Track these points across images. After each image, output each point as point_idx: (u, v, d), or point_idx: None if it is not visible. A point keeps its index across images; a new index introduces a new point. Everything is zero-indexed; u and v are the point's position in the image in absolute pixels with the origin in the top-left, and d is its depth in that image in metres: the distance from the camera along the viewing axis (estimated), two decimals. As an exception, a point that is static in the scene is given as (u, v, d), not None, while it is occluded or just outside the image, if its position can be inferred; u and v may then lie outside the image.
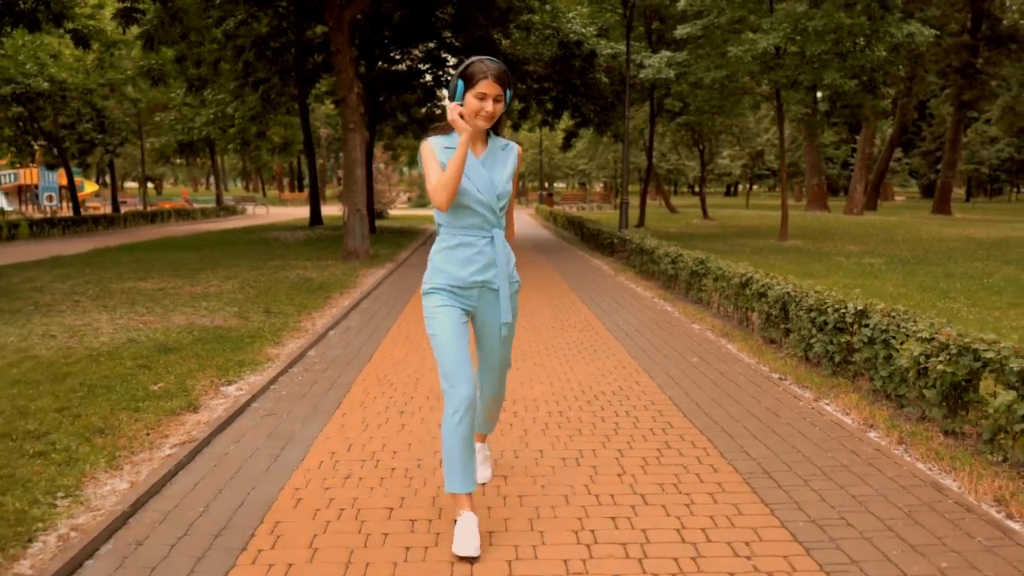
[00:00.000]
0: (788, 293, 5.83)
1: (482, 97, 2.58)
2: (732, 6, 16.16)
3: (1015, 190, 68.85)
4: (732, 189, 75.21)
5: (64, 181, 40.41)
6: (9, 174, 40.44)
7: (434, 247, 2.77)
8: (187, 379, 4.69)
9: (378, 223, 21.84)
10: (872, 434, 3.91)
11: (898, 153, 54.07)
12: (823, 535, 2.75)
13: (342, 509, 2.97)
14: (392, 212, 32.70)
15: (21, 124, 22.96)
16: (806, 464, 3.47)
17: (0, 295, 8.32)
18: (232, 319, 6.95)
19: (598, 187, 68.53)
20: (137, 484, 3.11)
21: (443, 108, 21.27)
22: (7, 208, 37.40)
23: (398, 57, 19.91)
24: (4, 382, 4.62)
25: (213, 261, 12.33)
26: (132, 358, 5.28)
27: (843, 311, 4.91)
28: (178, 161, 39.69)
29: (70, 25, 10.75)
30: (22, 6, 9.65)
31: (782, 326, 5.95)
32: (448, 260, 2.71)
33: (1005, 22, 35.70)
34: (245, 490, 3.14)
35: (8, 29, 10.47)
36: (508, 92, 2.65)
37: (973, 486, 3.17)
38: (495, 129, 2.77)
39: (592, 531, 2.78)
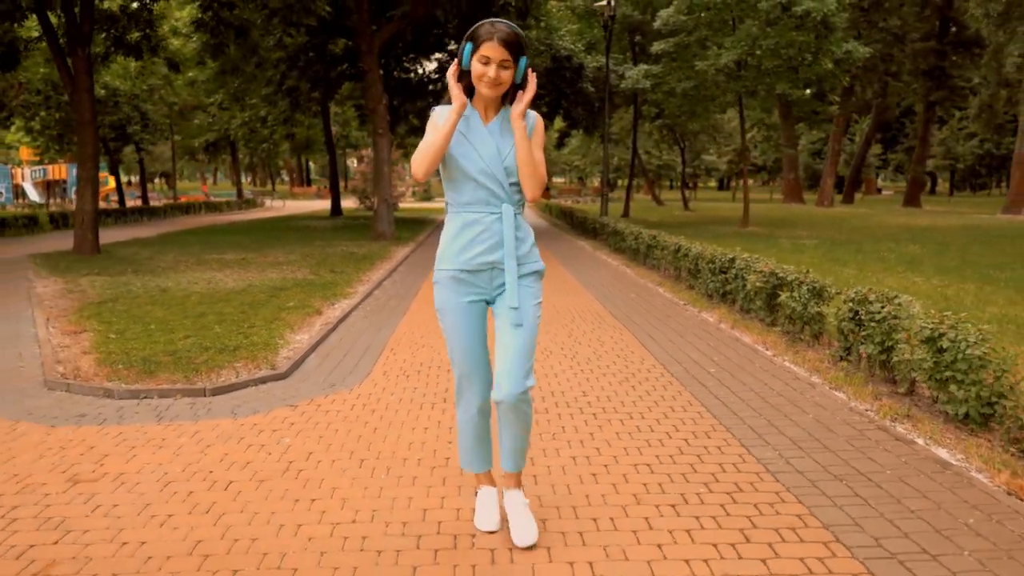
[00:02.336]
0: (699, 253, 8.60)
1: (485, 61, 2.34)
2: (701, 26, 18.88)
3: (998, 184, 71.35)
4: (725, 183, 78.03)
5: (90, 176, 43.00)
6: (39, 169, 43.05)
7: (443, 229, 2.55)
8: (306, 301, 7.45)
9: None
10: (722, 325, 6.67)
11: (877, 149, 56.75)
12: (672, 359, 5.51)
13: (423, 346, 5.73)
14: (401, 204, 35.44)
15: (70, 125, 25.73)
16: (674, 334, 6.24)
17: (128, 262, 11.08)
18: (310, 275, 9.70)
19: (595, 181, 71.26)
20: (312, 335, 5.88)
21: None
22: (39, 201, 39.94)
23: (410, 66, 22.63)
24: (192, 303, 7.38)
25: (267, 242, 15.08)
26: (260, 292, 8.05)
27: (723, 260, 7.68)
28: (200, 157, 42.35)
29: (164, 54, 13.48)
30: (129, 40, 12.42)
31: (697, 277, 8.71)
32: (454, 241, 2.48)
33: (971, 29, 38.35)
34: (369, 340, 5.91)
35: (120, 58, 13.19)
36: (523, 59, 2.37)
37: (754, 338, 5.95)
38: (511, 99, 2.46)
39: (550, 352, 5.55)
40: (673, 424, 3.91)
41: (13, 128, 26.26)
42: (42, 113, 24.48)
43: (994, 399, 3.77)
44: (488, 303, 2.56)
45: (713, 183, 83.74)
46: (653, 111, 22.90)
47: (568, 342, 5.90)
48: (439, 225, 21.28)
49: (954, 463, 3.36)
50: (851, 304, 5.13)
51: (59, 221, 20.20)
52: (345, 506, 2.91)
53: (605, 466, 3.33)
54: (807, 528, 2.73)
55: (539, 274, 2.58)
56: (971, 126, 56.10)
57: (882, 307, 4.78)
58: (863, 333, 4.91)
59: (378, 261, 11.47)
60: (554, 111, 22.22)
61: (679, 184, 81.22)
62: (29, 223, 18.81)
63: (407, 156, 40.64)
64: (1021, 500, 2.96)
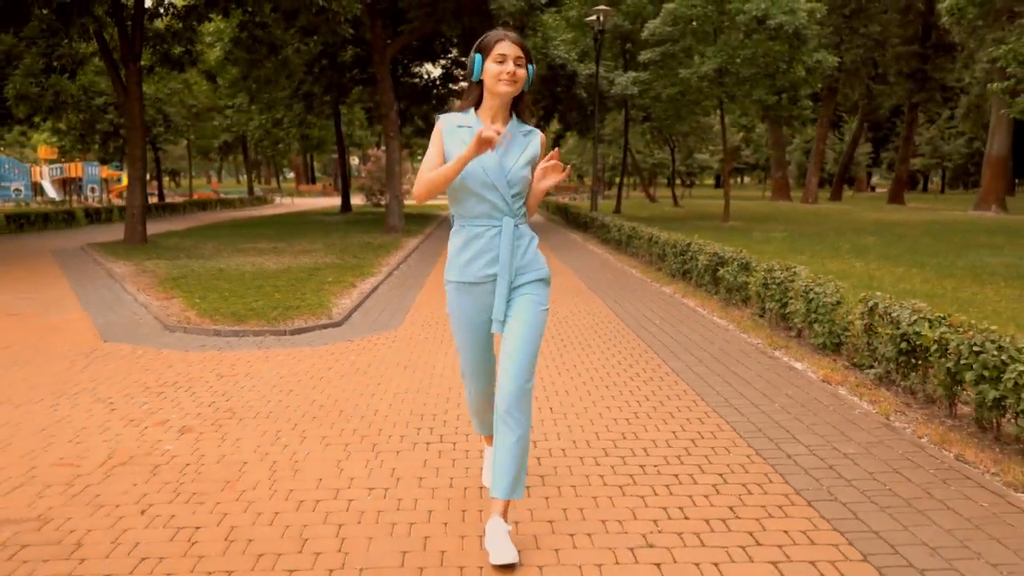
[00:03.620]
0: (665, 240, 10.28)
1: (501, 60, 2.41)
2: (687, 35, 20.53)
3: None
4: (721, 181, 79.80)
5: (104, 174, 44.68)
6: (57, 168, 44.75)
7: (450, 238, 2.64)
8: (341, 277, 9.13)
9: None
10: (676, 295, 8.35)
11: (867, 148, 58.39)
12: (628, 315, 7.19)
13: (439, 308, 7.41)
14: (405, 201, 37.13)
15: (93, 127, 27.41)
16: (636, 301, 7.92)
17: (176, 250, 12.77)
18: (337, 260, 11.37)
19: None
20: (353, 300, 7.57)
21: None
22: (57, 198, 41.62)
23: (416, 71, 24.29)
24: (248, 279, 9.06)
25: (290, 234, 16.75)
26: (301, 271, 9.73)
27: (682, 244, 9.37)
28: (212, 156, 44.03)
29: (203, 67, 15.12)
30: (173, 56, 14.11)
31: (664, 260, 10.39)
32: (459, 254, 2.57)
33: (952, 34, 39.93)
34: (397, 304, 7.59)
35: (165, 71, 14.88)
36: (531, 67, 2.48)
37: (697, 303, 7.64)
38: (519, 113, 2.59)
39: (537, 311, 7.26)
40: (618, 350, 5.59)
41: (40, 128, 27.96)
42: (70, 115, 26.09)
43: (839, 332, 5.45)
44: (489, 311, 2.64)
45: (710, 181, 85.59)
46: (640, 115, 24.59)
47: (552, 307, 7.57)
48: (443, 220, 22.95)
49: (799, 368, 5.05)
50: (763, 274, 6.81)
51: (93, 216, 21.89)
52: (400, 387, 4.60)
53: (566, 368, 5.02)
54: (685, 395, 4.41)
55: (543, 281, 2.61)
56: (960, 125, 57.81)
57: (781, 274, 6.46)
58: (769, 294, 6.60)
59: (393, 250, 13.15)
60: (550, 115, 23.90)
61: (678, 182, 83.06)
62: (68, 217, 20.50)
63: (413, 156, 42.37)
64: (828, 384, 4.64)
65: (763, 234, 17.48)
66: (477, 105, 2.56)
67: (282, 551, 2.55)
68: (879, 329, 4.88)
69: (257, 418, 3.99)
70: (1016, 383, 3.50)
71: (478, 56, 2.46)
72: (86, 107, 24.38)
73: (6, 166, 40.34)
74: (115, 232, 17.29)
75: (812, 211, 29.10)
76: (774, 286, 6.47)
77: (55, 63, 12.00)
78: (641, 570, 2.43)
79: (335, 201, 37.81)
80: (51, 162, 45.70)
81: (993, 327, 3.90)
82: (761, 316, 6.88)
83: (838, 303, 5.52)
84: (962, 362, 3.85)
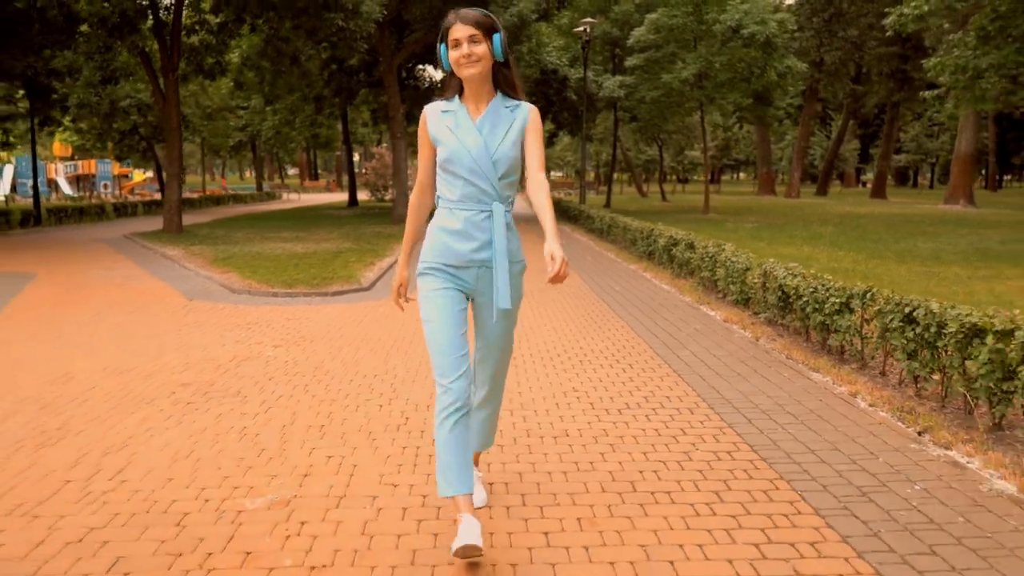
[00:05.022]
0: (637, 227, 12.10)
1: (456, 44, 2.38)
2: (668, 44, 22.31)
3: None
4: (715, 177, 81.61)
5: (116, 171, 46.47)
6: (71, 165, 46.48)
7: (432, 222, 2.59)
8: (362, 258, 10.91)
9: (403, 204, 27.99)
10: (639, 271, 10.15)
11: (855, 144, 60.15)
12: (597, 284, 9.00)
13: (444, 279, 9.22)
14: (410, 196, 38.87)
15: (111, 126, 29.19)
16: (606, 275, 9.73)
17: (213, 238, 14.56)
18: (354, 246, 13.16)
19: (589, 175, 74.70)
20: (375, 272, 9.37)
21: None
22: (71, 194, 43.35)
23: (419, 75, 26.07)
24: (284, 259, 10.84)
25: (307, 225, 18.54)
26: (326, 254, 11.52)
27: (647, 230, 11.18)
28: (222, 154, 45.77)
29: (232, 76, 16.88)
30: (205, 67, 15.90)
31: (635, 244, 12.20)
32: (444, 236, 2.52)
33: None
34: (411, 277, 9.39)
35: (199, 80, 16.64)
36: (497, 36, 2.40)
37: (653, 275, 9.46)
38: (511, 89, 2.52)
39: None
40: (583, 307, 7.40)
41: (61, 128, 29.73)
42: (119, 118, 27.72)
43: (747, 290, 7.25)
44: (468, 297, 2.59)
45: (704, 177, 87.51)
46: (627, 116, 26.42)
47: (534, 280, 9.38)
48: (445, 213, 24.71)
49: (712, 315, 6.86)
50: (702, 251, 8.62)
51: (121, 210, 23.69)
52: (418, 328, 6.40)
53: (537, 315, 6.83)
54: (620, 328, 6.22)
55: (523, 270, 2.63)
56: (946, 122, 59.46)
57: (713, 249, 8.27)
58: (704, 265, 8.40)
59: (402, 238, 14.93)
60: (543, 116, 25.72)
61: (671, 178, 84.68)
62: (99, 211, 22.29)
63: (415, 154, 44.22)
64: (727, 323, 6.45)
65: (735, 224, 19.28)
66: (462, 91, 2.54)
67: (360, 393, 4.37)
68: (768, 284, 6.69)
69: (323, 340, 5.79)
70: (830, 310, 5.31)
71: (443, 46, 2.46)
72: (108, 108, 26.13)
73: (23, 164, 42.06)
74: (145, 224, 19.10)
75: (791, 205, 30.89)
76: (707, 259, 8.28)
77: (109, 74, 13.76)
78: (576, 411, 4.23)
79: (340, 197, 39.61)
80: (64, 159, 47.44)
81: (829, 276, 5.70)
82: (702, 285, 8.68)
83: (747, 269, 7.32)
84: (804, 299, 5.66)
